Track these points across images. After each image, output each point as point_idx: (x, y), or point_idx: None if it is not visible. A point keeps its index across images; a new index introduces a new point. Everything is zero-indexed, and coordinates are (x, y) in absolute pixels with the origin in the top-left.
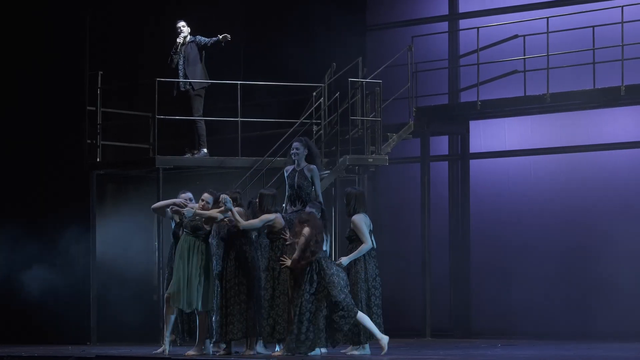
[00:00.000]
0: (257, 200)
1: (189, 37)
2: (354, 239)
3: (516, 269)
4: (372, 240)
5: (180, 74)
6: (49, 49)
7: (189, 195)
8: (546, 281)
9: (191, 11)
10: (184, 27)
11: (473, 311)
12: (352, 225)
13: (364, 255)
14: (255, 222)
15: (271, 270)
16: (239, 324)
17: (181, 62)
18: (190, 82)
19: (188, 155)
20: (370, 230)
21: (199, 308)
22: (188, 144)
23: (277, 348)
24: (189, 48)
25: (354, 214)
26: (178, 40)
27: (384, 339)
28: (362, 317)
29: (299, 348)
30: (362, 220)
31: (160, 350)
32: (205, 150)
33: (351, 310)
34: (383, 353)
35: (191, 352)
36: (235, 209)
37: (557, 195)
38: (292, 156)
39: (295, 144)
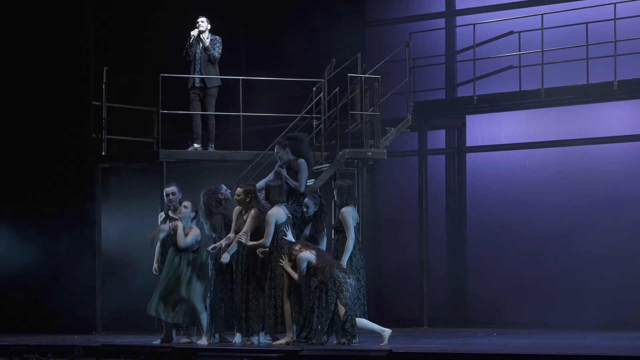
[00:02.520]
0: (264, 192)
1: (208, 34)
2: (341, 230)
3: (512, 259)
4: (358, 233)
5: (197, 68)
6: (54, 45)
7: (174, 189)
8: (541, 272)
9: (192, 6)
10: (202, 23)
11: (470, 301)
12: (339, 217)
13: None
14: (269, 231)
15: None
16: (257, 318)
17: (198, 56)
18: (202, 79)
19: (191, 149)
20: (357, 222)
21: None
22: (191, 138)
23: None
24: (210, 45)
25: (344, 206)
26: (193, 32)
27: (386, 331)
28: (360, 321)
29: (313, 338)
30: (350, 214)
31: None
32: (213, 146)
33: (353, 317)
34: (383, 344)
35: (201, 342)
36: (252, 213)
37: (552, 188)
38: (278, 159)
39: (276, 148)
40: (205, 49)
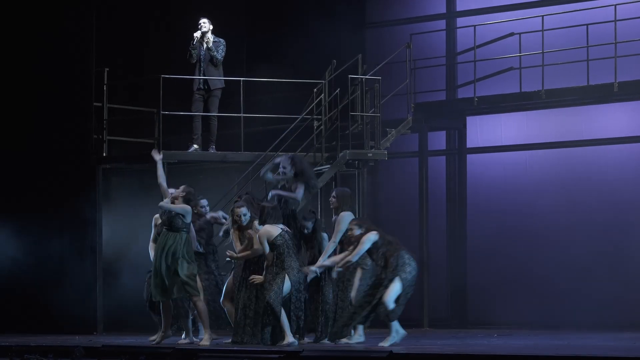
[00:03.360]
0: (259, 214)
1: (211, 35)
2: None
3: (512, 260)
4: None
5: (202, 69)
6: (55, 45)
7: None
8: (542, 272)
9: (194, 7)
10: (204, 24)
11: (470, 301)
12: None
13: None
14: (265, 248)
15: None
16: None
17: (202, 57)
18: (205, 80)
19: (191, 150)
20: None
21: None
22: (190, 139)
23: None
24: (214, 47)
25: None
26: (195, 34)
27: (391, 338)
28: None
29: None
30: (345, 221)
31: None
32: (214, 147)
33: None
34: (381, 344)
35: (204, 342)
36: (255, 226)
37: (552, 189)
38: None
39: (282, 160)
40: (208, 48)
